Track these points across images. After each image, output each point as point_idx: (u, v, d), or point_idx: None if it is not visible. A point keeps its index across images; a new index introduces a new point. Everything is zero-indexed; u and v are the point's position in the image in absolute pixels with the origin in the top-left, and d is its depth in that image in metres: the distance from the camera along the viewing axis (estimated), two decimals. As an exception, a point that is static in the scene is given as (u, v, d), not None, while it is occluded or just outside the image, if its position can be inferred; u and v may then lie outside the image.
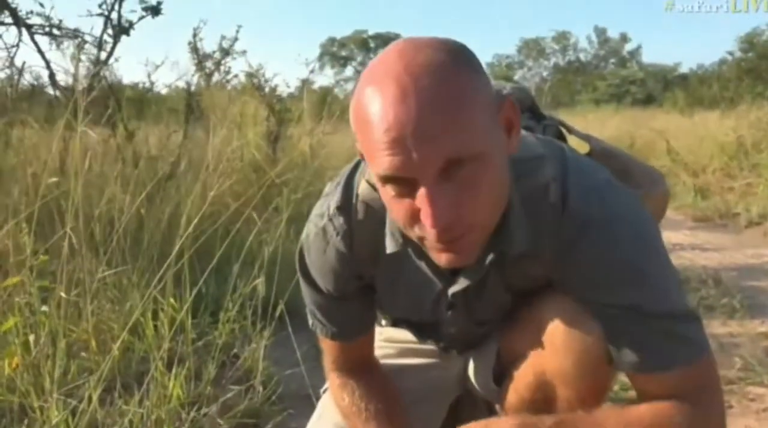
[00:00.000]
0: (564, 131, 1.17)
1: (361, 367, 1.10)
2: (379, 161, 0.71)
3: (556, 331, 0.90)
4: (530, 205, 0.85)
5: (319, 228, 0.95)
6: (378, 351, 1.15)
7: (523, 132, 0.93)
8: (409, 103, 0.68)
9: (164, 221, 2.30)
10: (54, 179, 2.02)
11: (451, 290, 0.92)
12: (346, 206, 0.92)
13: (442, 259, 0.78)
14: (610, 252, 0.83)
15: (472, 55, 0.75)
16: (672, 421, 0.82)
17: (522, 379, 0.98)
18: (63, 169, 2.48)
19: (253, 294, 1.98)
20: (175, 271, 1.87)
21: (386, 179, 0.73)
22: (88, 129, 2.40)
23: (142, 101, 4.51)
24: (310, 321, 1.08)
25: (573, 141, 1.15)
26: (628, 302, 0.83)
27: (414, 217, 0.74)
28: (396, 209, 0.76)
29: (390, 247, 0.88)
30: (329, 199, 0.95)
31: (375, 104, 0.70)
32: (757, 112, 7.84)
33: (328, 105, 4.76)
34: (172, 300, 1.85)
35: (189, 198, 2.20)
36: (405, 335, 1.19)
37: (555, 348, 0.91)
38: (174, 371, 1.60)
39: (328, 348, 1.10)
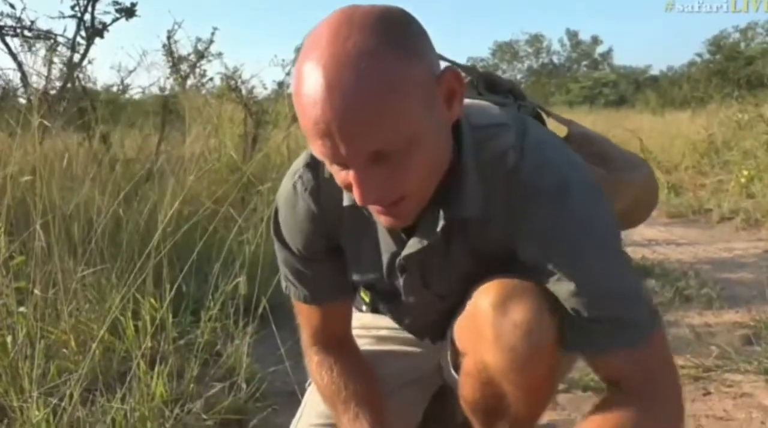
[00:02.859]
0: (543, 113, 1.16)
1: (338, 344, 1.09)
2: (313, 146, 0.75)
3: (486, 324, 0.87)
4: (486, 170, 0.86)
5: (290, 185, 0.98)
6: (357, 340, 1.15)
7: (487, 103, 0.95)
8: (335, 99, 0.69)
9: (142, 221, 2.27)
10: (28, 178, 1.98)
11: (404, 252, 0.93)
12: (313, 163, 0.96)
13: (382, 220, 0.84)
14: (555, 226, 0.83)
15: (408, 30, 0.75)
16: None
17: (469, 374, 0.96)
18: (37, 170, 2.44)
19: (235, 293, 1.97)
20: (155, 270, 1.85)
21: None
22: (61, 131, 2.36)
23: (116, 104, 4.44)
24: (284, 285, 1.08)
25: (552, 124, 1.16)
26: (571, 278, 0.82)
27: (351, 185, 0.77)
28: (336, 176, 0.81)
29: (346, 200, 0.92)
30: (300, 159, 0.99)
31: (305, 90, 0.72)
32: (726, 111, 8.03)
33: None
34: (152, 300, 1.82)
35: (166, 198, 2.18)
36: (384, 321, 1.18)
37: (488, 343, 0.88)
38: (156, 369, 1.58)
39: (303, 319, 1.09)
